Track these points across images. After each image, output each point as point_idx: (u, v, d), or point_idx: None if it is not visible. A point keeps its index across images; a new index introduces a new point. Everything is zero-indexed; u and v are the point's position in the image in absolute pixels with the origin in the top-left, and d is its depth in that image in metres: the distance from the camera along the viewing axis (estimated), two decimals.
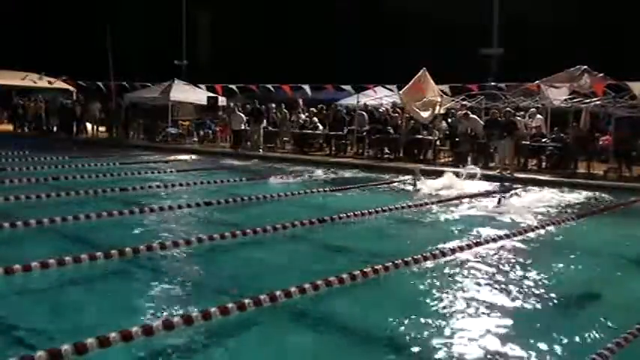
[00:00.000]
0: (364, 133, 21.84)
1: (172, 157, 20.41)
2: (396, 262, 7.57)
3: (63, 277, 6.87)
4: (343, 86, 24.28)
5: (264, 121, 23.51)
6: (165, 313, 5.82)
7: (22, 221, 9.12)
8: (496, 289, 7.04)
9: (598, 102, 18.21)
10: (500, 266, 7.98)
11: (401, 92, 20.13)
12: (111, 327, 5.08)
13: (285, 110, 24.74)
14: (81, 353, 4.67)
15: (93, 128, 28.72)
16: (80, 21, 41.63)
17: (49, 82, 36.57)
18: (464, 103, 21.03)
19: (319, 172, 17.23)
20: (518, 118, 19.33)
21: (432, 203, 12.45)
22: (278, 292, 6.14)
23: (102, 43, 27.13)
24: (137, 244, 7.92)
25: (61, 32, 40.82)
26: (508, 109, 18.65)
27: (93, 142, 26.58)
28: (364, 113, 22.48)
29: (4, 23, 39.51)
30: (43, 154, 19.19)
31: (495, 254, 8.54)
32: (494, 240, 9.21)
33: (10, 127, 31.60)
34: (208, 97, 26.86)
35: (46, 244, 8.53)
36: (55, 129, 29.27)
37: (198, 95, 27.56)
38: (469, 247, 8.70)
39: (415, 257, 7.83)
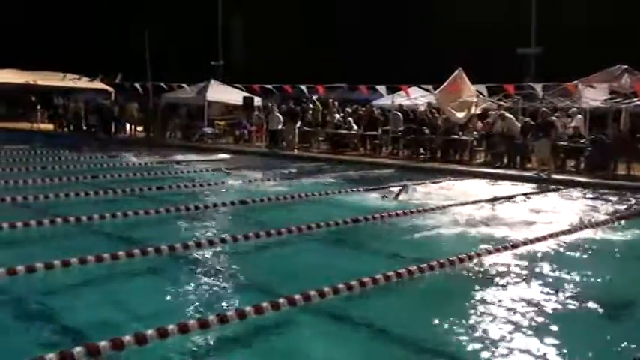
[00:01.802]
0: (399, 134, 21.75)
1: (208, 157, 20.59)
2: (431, 263, 7.52)
3: (101, 273, 6.98)
4: (377, 86, 24.20)
5: (299, 121, 23.55)
6: (200, 312, 5.88)
7: (61, 218, 9.31)
8: (533, 292, 6.95)
9: (639, 102, 17.83)
10: (539, 268, 7.89)
11: (436, 92, 20.01)
12: (146, 324, 5.15)
13: (319, 106, 24.81)
14: (118, 349, 4.75)
15: (131, 128, 29.14)
16: (118, 22, 42.28)
17: (89, 83, 37.28)
18: (500, 103, 20.80)
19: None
20: (554, 118, 19.01)
21: (466, 204, 12.33)
22: (312, 292, 6.15)
23: (140, 44, 27.50)
24: (173, 242, 8.01)
25: (100, 33, 41.50)
26: (544, 108, 18.37)
27: (131, 141, 26.93)
28: (399, 113, 22.38)
29: (44, 25, 40.32)
30: (82, 153, 19.54)
31: (534, 256, 8.43)
32: (531, 242, 9.09)
33: (50, 127, 32.25)
34: (244, 97, 27.03)
35: (85, 241, 8.70)
36: (93, 129, 29.75)
37: (233, 95, 27.75)
38: (505, 248, 8.60)
39: (450, 259, 7.77)
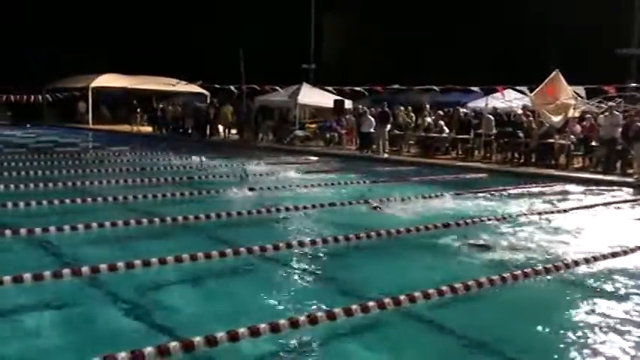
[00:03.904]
0: (492, 137, 21.27)
1: (298, 159, 20.84)
2: (525, 270, 7.32)
3: (195, 271, 7.17)
4: (472, 88, 23.80)
5: (389, 125, 23.42)
6: (290, 312, 5.95)
7: (158, 218, 9.65)
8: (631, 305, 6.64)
9: None
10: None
11: (532, 94, 19.47)
12: (238, 322, 5.25)
13: (411, 114, 24.62)
14: (211, 346, 4.87)
15: (225, 130, 29.87)
16: (214, 27, 43.42)
17: (186, 86, 38.56)
18: (600, 105, 19.99)
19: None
20: None
21: (563, 211, 11.92)
22: (402, 297, 6.11)
23: (235, 48, 28.12)
24: (264, 242, 8.13)
25: (196, 38, 42.76)
26: None
27: (225, 143, 27.61)
28: (491, 117, 21.80)
29: (145, 31, 41.93)
30: (179, 154, 20.19)
31: (635, 267, 8.04)
32: (632, 251, 8.68)
33: (149, 129, 33.54)
34: (335, 100, 27.18)
35: (180, 239, 8.96)
36: (189, 131, 30.69)
37: (324, 98, 27.96)
38: (604, 257, 8.25)
39: (546, 266, 7.55)
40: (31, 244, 8.20)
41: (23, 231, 8.39)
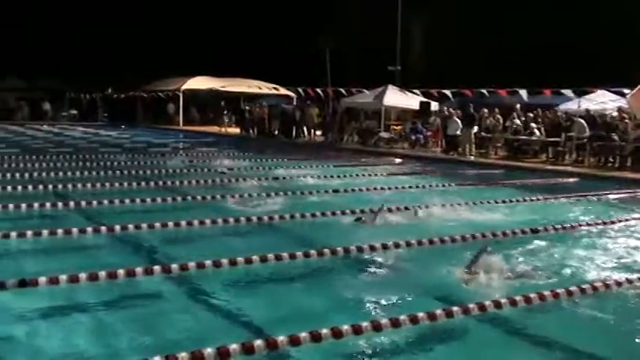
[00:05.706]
0: (585, 140, 20.48)
1: (383, 161, 20.77)
2: (619, 280, 7.04)
3: (279, 271, 7.25)
4: (562, 90, 23.05)
5: (476, 127, 22.98)
6: (372, 314, 5.94)
7: (244, 217, 9.83)
8: None
9: None
10: None
11: (628, 96, 18.69)
12: (320, 323, 5.28)
13: (498, 116, 24.07)
14: (295, 345, 4.92)
15: (310, 132, 30.14)
16: (301, 29, 43.91)
17: (274, 89, 39.24)
18: None
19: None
20: None
21: None
22: (487, 302, 6.00)
23: (321, 52, 28.36)
24: (348, 244, 8.13)
25: (283, 40, 43.36)
26: None
27: (310, 145, 27.84)
28: (582, 120, 20.89)
29: (234, 34, 42.93)
30: (265, 155, 20.52)
31: None
32: None
33: (237, 130, 34.28)
34: (421, 102, 26.93)
35: (265, 239, 9.10)
36: (276, 132, 31.15)
37: (410, 100, 27.75)
38: None
39: (629, 278, 7.22)
40: (124, 241, 8.53)
41: (117, 227, 8.74)
